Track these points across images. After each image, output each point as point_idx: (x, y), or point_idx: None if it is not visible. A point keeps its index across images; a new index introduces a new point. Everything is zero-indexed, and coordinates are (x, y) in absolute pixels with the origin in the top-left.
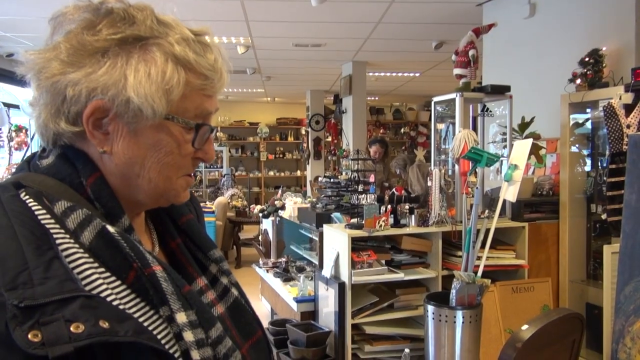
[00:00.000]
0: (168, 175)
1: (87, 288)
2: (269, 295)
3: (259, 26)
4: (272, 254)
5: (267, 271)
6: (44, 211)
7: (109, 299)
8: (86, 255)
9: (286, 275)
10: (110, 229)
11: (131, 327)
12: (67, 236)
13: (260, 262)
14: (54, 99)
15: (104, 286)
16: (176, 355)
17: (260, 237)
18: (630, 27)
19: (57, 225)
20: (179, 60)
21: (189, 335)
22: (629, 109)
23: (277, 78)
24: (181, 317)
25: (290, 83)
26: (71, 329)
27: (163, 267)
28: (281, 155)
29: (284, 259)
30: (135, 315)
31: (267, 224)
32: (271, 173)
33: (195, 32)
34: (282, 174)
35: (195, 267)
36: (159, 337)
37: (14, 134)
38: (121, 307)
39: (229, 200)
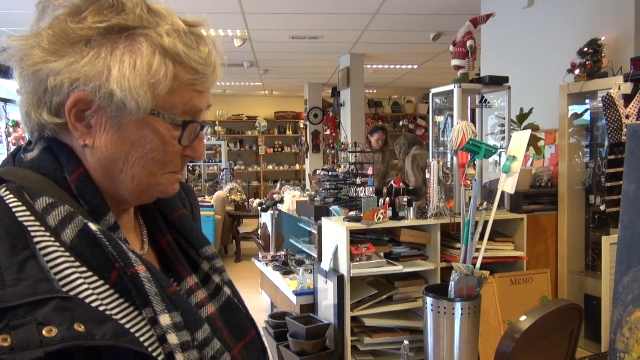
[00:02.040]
0: (153, 172)
1: (66, 289)
2: (268, 288)
3: (255, 18)
4: (272, 248)
5: (267, 265)
6: (23, 208)
7: (89, 300)
8: (67, 254)
9: (285, 269)
10: (93, 226)
11: (110, 330)
12: (48, 234)
13: (260, 255)
14: (36, 89)
15: (85, 286)
16: (160, 358)
17: (259, 231)
18: (630, 16)
19: (37, 223)
20: (167, 52)
21: (173, 338)
22: (628, 99)
23: (274, 71)
24: (165, 319)
25: (288, 76)
26: (43, 333)
27: (147, 267)
28: (280, 149)
29: (283, 253)
30: (118, 317)
31: (266, 218)
32: (270, 167)
33: (189, 23)
34: (281, 168)
35: (185, 266)
36: (142, 339)
37: (11, 130)
38: (102, 308)
39: (228, 195)
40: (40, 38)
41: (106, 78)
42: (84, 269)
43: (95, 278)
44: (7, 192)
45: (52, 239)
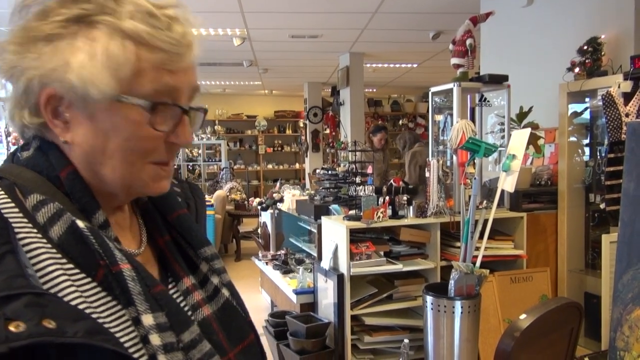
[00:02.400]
0: (132, 162)
1: (47, 285)
2: (268, 287)
3: (254, 17)
4: (272, 247)
5: (267, 264)
6: (11, 205)
7: (70, 297)
8: (53, 250)
9: (285, 268)
10: (80, 224)
11: (83, 328)
12: (35, 231)
13: (260, 254)
14: (15, 91)
15: (68, 283)
16: (142, 359)
17: (259, 230)
18: (629, 14)
19: (25, 220)
20: (128, 35)
21: (155, 339)
22: (627, 97)
23: (274, 70)
24: (147, 319)
25: (288, 75)
26: (10, 328)
27: (133, 266)
28: (279, 148)
29: (283, 252)
30: (102, 315)
31: (266, 217)
32: (270, 166)
33: (157, 5)
34: (281, 167)
35: (182, 266)
36: (123, 339)
37: (11, 129)
38: (83, 305)
39: (228, 194)
40: (10, 40)
41: (67, 70)
42: (70, 265)
43: (81, 275)
44: None
45: (39, 235)
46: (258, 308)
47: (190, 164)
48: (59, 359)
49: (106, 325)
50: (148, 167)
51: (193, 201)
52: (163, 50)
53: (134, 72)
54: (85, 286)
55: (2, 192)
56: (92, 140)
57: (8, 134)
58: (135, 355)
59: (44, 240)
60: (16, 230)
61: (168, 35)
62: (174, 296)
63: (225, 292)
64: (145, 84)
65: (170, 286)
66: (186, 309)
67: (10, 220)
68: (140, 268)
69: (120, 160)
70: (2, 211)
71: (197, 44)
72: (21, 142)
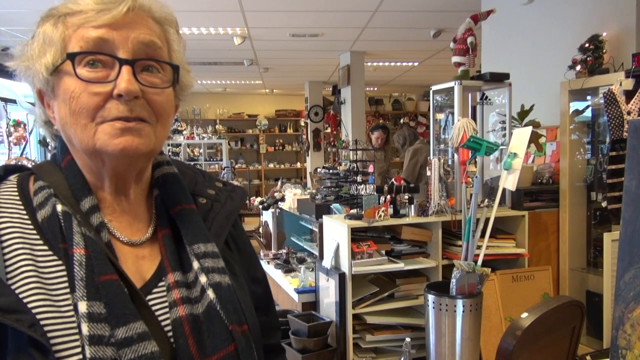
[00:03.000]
0: (83, 124)
1: (7, 263)
2: (270, 286)
3: (255, 16)
4: (273, 246)
5: (268, 263)
6: (14, 189)
7: (23, 275)
8: (33, 231)
9: (287, 267)
10: (59, 208)
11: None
12: (24, 212)
13: (261, 253)
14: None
15: (27, 262)
16: (72, 346)
17: (260, 229)
18: (631, 12)
19: (19, 202)
20: (61, 13)
21: (84, 328)
22: (629, 95)
23: (275, 69)
24: (82, 306)
25: (289, 74)
26: None
27: (88, 252)
28: (281, 147)
29: (284, 251)
30: (53, 297)
31: (267, 216)
32: (271, 165)
33: None
34: (282, 166)
35: (171, 262)
36: (60, 326)
37: (12, 129)
38: (35, 285)
39: None
40: (18, 57)
41: (32, 63)
42: (44, 247)
43: (52, 257)
44: (15, 177)
45: (27, 217)
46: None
47: (192, 163)
48: None
49: (52, 309)
50: (103, 126)
51: (220, 204)
52: (85, 12)
53: (64, 39)
54: (49, 268)
55: (15, 181)
56: (60, 115)
57: (9, 134)
58: (59, 341)
59: (28, 222)
60: (1, 210)
61: (95, 0)
62: (160, 292)
63: (210, 294)
64: (73, 44)
65: (162, 282)
66: (164, 305)
67: (1, 203)
68: (95, 255)
69: (75, 125)
70: (0, 196)
71: (131, 2)
72: (22, 141)
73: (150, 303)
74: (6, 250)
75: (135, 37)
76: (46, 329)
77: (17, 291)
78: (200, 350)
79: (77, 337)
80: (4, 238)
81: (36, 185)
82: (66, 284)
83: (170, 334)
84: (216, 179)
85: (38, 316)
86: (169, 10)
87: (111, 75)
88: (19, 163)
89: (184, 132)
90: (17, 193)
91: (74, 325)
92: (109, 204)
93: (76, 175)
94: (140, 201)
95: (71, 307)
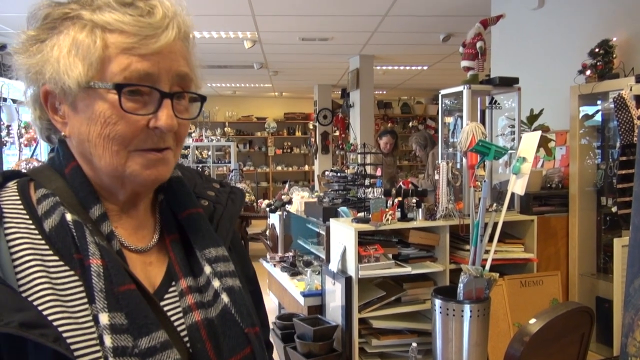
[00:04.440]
0: (115, 151)
1: (19, 275)
2: (276, 289)
3: (265, 20)
4: (280, 249)
5: (275, 265)
6: (16, 197)
7: (38, 287)
8: (41, 242)
9: (293, 270)
10: (69, 217)
11: (20, 319)
12: (29, 222)
13: (268, 256)
14: (30, 92)
15: (41, 274)
16: (92, 358)
17: (267, 232)
18: None
19: (23, 211)
20: (96, 24)
21: (107, 340)
22: (639, 100)
23: (284, 73)
24: (103, 318)
25: (298, 78)
26: None
27: (105, 262)
28: (289, 150)
29: (291, 254)
30: (70, 309)
31: (274, 219)
32: (279, 168)
33: None
34: (290, 169)
35: (181, 267)
36: (80, 337)
37: (23, 131)
38: (50, 297)
39: None
40: (17, 47)
41: (49, 66)
42: (54, 257)
43: (64, 268)
44: (14, 184)
45: (33, 226)
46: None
47: (200, 165)
48: (10, 351)
49: (71, 321)
50: (135, 156)
51: (222, 206)
52: (130, 34)
53: (102, 59)
54: (63, 279)
55: (15, 188)
56: (79, 130)
57: (20, 136)
58: (81, 353)
59: (35, 232)
60: (6, 220)
61: (138, 20)
62: (171, 298)
63: (225, 298)
64: (115, 70)
65: (172, 287)
66: (178, 311)
67: (6, 211)
68: (112, 265)
69: (103, 148)
70: (1, 203)
71: (176, 28)
72: (33, 143)
73: (165, 309)
74: (17, 263)
75: (174, 70)
76: (68, 341)
77: (34, 304)
78: (217, 355)
79: (98, 348)
80: (14, 250)
81: (39, 192)
82: (83, 295)
83: (186, 339)
84: (213, 180)
85: (59, 329)
86: (192, 23)
87: (150, 107)
88: (30, 165)
89: (193, 134)
90: (20, 201)
91: (95, 337)
92: (115, 213)
93: (83, 183)
94: (146, 208)
95: (90, 319)
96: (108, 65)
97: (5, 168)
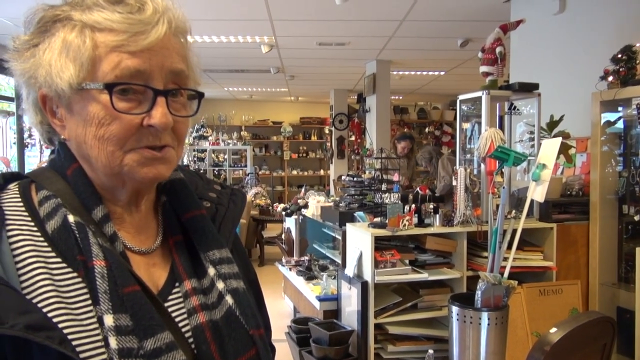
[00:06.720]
0: (110, 151)
1: (22, 278)
2: (291, 293)
3: (282, 25)
4: (295, 253)
5: (290, 269)
6: (18, 199)
7: (41, 290)
8: (44, 244)
9: (309, 274)
10: (71, 218)
11: (25, 321)
12: (32, 224)
13: (283, 260)
14: (26, 97)
15: (44, 276)
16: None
17: (283, 236)
18: None
19: (25, 213)
20: (86, 24)
21: (112, 342)
22: None
23: (300, 77)
24: (108, 320)
25: (314, 82)
26: None
27: (108, 263)
28: (304, 155)
29: (306, 258)
30: (74, 311)
31: (290, 223)
32: (294, 172)
33: None
34: (306, 173)
35: (186, 268)
36: (85, 340)
37: None
38: (54, 300)
39: (253, 199)
40: (12, 53)
41: (42, 69)
42: (57, 259)
43: (67, 270)
44: (15, 186)
45: (35, 228)
46: (281, 314)
47: (216, 169)
48: (14, 354)
49: (75, 323)
50: (131, 155)
51: (224, 207)
52: (120, 32)
53: (92, 58)
54: (66, 281)
55: (16, 190)
56: (76, 133)
57: None
58: (87, 355)
59: (38, 234)
60: (9, 222)
61: (128, 17)
62: (176, 299)
63: (229, 300)
64: (106, 69)
65: (176, 289)
66: (182, 312)
67: (8, 213)
68: (116, 266)
69: (98, 149)
70: (3, 205)
71: (167, 24)
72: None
73: (169, 311)
74: (20, 265)
75: (168, 67)
76: (73, 344)
77: (38, 306)
78: (222, 356)
79: (103, 350)
80: (17, 252)
81: (40, 194)
82: (87, 297)
83: (191, 340)
84: (214, 182)
85: (64, 331)
86: (185, 18)
87: (144, 106)
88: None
89: (210, 138)
90: (21, 203)
91: (99, 338)
92: (118, 214)
93: (85, 184)
94: (149, 210)
95: (94, 321)
96: (99, 64)
97: (27, 170)
